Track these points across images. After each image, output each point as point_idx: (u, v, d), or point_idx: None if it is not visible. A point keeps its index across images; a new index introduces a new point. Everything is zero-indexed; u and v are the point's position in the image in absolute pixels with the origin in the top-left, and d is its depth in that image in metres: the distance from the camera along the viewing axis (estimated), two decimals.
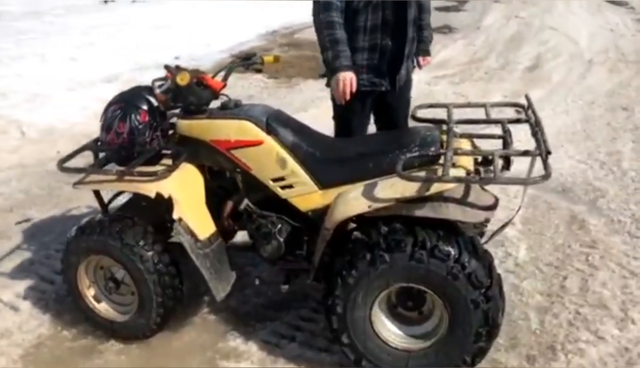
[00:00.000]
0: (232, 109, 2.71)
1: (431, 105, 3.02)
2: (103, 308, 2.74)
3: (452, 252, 2.21)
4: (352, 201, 2.36)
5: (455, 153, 2.31)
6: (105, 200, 2.87)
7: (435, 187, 2.21)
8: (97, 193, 2.80)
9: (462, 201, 2.25)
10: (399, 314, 2.47)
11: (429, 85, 7.12)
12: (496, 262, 3.22)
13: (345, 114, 3.16)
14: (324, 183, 2.57)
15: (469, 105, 3.11)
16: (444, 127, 2.60)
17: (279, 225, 2.66)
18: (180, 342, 2.75)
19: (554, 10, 12.44)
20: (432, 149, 2.38)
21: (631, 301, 2.97)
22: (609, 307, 2.93)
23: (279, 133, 2.60)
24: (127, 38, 8.84)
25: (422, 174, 2.24)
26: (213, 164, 2.74)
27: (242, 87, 6.87)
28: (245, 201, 2.74)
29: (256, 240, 2.70)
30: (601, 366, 2.57)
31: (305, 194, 2.61)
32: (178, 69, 2.73)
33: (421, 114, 2.91)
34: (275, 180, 2.63)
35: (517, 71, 7.82)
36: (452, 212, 2.23)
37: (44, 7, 11.15)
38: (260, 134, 2.59)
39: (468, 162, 2.41)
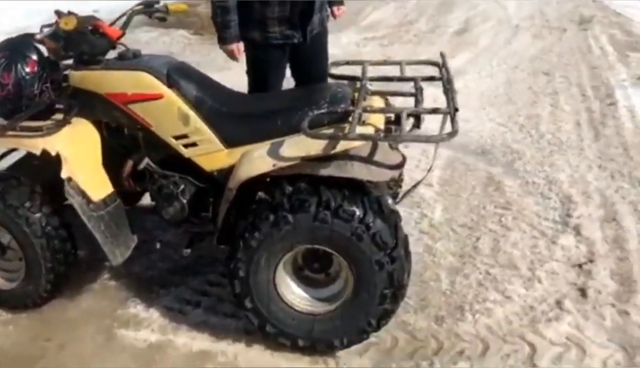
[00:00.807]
0: (130, 60, 2.52)
1: (347, 63, 2.92)
2: None
3: (357, 212, 2.14)
4: (256, 160, 2.24)
5: (365, 110, 2.23)
6: None
7: (342, 145, 2.12)
8: None
9: (369, 160, 2.17)
10: (305, 276, 2.39)
11: (358, 47, 7.03)
12: (411, 224, 3.26)
13: (259, 68, 3.03)
14: (229, 141, 2.44)
15: (384, 63, 3.03)
16: (358, 84, 2.52)
17: (182, 186, 2.52)
18: (76, 310, 2.59)
19: None
20: (342, 105, 2.29)
21: (539, 260, 3.01)
22: (518, 267, 2.96)
23: (181, 86, 2.44)
24: None
25: (328, 131, 2.14)
26: (110, 119, 2.55)
27: (164, 43, 6.57)
28: (146, 160, 2.58)
29: (158, 202, 2.55)
30: (506, 325, 2.58)
31: (210, 153, 2.47)
32: (70, 14, 2.50)
33: (337, 71, 2.82)
34: (177, 137, 2.47)
35: (446, 35, 7.80)
36: (358, 171, 2.14)
37: None
38: (160, 87, 2.42)
39: (379, 120, 2.33)
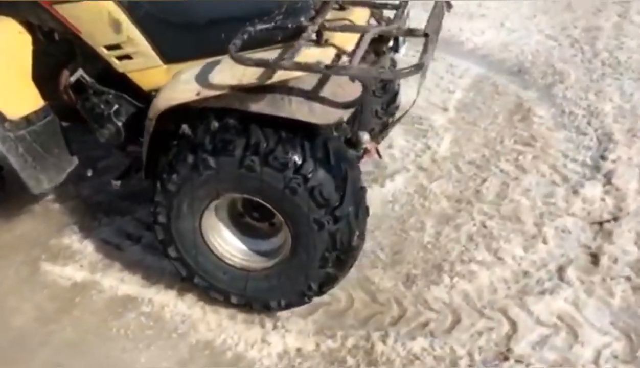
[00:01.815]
0: None
1: None
2: None
3: (292, 159, 1.73)
4: (180, 85, 1.83)
5: (322, 27, 1.76)
6: None
7: (279, 75, 1.68)
8: None
9: (313, 95, 1.71)
10: (246, 225, 2.04)
11: None
12: (410, 157, 2.81)
13: None
14: (168, 56, 2.04)
15: None
16: None
17: (116, 106, 2.16)
18: (9, 235, 2.37)
19: None
20: (300, 19, 1.81)
21: (551, 214, 2.53)
22: (522, 220, 2.50)
23: None
24: None
25: (258, 56, 1.68)
26: (39, 21, 2.17)
27: None
28: (80, 71, 2.21)
29: (91, 122, 2.21)
30: (488, 294, 2.18)
31: (147, 69, 2.08)
32: None
33: None
34: (109, 48, 2.08)
35: None
36: (296, 109, 1.71)
37: None
38: None
39: (347, 39, 1.85)
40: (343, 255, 1.86)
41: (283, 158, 1.72)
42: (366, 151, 2.29)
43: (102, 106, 2.16)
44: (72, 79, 2.21)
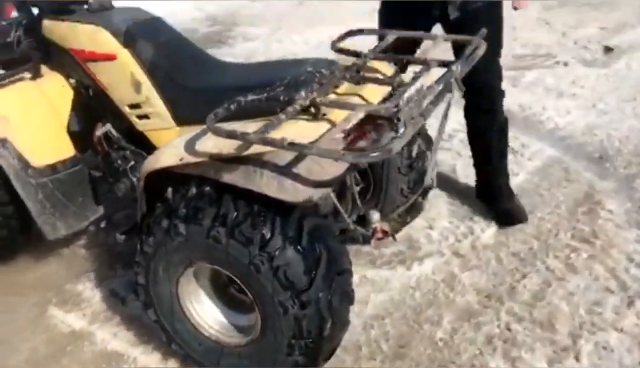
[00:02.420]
0: (95, 12, 2.24)
1: (370, 31, 2.31)
2: None
3: (258, 235, 1.65)
4: (168, 149, 1.84)
5: (314, 102, 1.70)
6: None
7: (256, 148, 1.63)
8: None
9: (286, 170, 1.64)
10: (229, 295, 1.97)
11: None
12: (449, 240, 2.63)
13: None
14: (180, 118, 2.09)
15: (415, 34, 2.31)
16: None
17: (133, 162, 2.24)
18: (32, 275, 2.49)
19: None
20: (299, 92, 1.76)
21: (593, 325, 2.20)
22: (555, 329, 2.19)
23: (138, 47, 2.11)
24: None
25: (235, 127, 1.64)
26: (77, 76, 2.32)
27: None
28: (108, 126, 2.31)
29: (108, 175, 2.29)
30: None
31: (161, 129, 2.15)
32: None
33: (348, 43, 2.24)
34: (131, 106, 2.17)
35: None
36: (265, 184, 1.63)
37: None
38: (115, 46, 2.12)
39: (342, 115, 1.77)
40: (313, 344, 1.72)
41: (249, 232, 1.65)
42: (375, 231, 2.17)
43: (120, 161, 2.24)
44: (100, 132, 2.31)
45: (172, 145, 1.84)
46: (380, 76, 1.98)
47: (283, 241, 1.65)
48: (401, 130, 1.51)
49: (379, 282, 2.42)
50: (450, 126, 3.55)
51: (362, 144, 1.80)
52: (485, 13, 2.41)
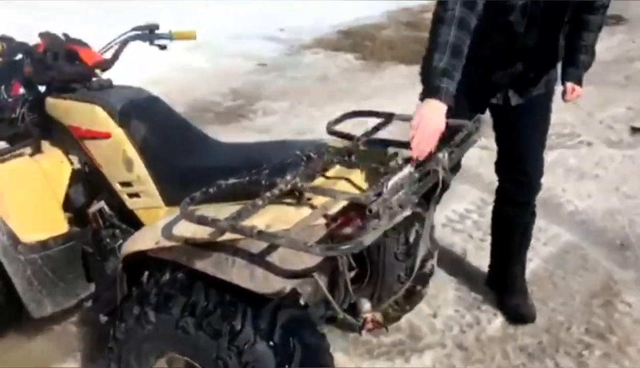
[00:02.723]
0: (94, 90, 2.27)
1: (365, 113, 2.28)
2: None
3: (227, 326, 1.57)
4: (148, 232, 1.80)
5: (296, 187, 1.65)
6: None
7: (228, 235, 1.58)
8: None
9: (259, 259, 1.57)
10: None
11: None
12: (454, 330, 2.51)
13: None
14: (168, 198, 2.06)
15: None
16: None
17: (121, 241, 2.20)
18: (21, 352, 2.42)
19: None
20: (282, 175, 1.72)
21: None
22: None
23: (132, 126, 2.12)
24: (234, 6, 8.58)
25: (202, 216, 1.58)
26: (74, 153, 2.34)
27: (324, 67, 6.33)
28: (102, 203, 2.30)
29: (95, 253, 2.26)
30: None
31: (150, 208, 2.12)
32: (47, 36, 2.35)
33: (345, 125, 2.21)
34: (122, 184, 2.16)
35: None
36: (235, 273, 1.57)
37: None
38: (109, 124, 2.13)
39: (329, 201, 1.72)
40: None
41: (218, 324, 1.57)
42: (365, 322, 2.06)
43: (109, 239, 2.22)
44: (94, 209, 2.30)
45: (151, 228, 1.80)
46: (371, 161, 1.93)
47: (254, 335, 1.56)
48: (375, 221, 1.43)
49: None
50: (462, 206, 3.47)
51: (347, 230, 1.74)
52: (542, 101, 2.39)
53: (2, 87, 2.38)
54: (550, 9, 2.12)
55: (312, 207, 1.70)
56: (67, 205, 2.36)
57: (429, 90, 1.82)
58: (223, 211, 1.59)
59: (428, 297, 2.55)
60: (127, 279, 1.84)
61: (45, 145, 2.37)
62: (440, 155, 1.74)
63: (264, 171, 1.76)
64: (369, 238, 1.40)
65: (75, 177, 2.37)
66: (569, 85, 2.39)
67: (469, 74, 1.96)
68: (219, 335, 1.57)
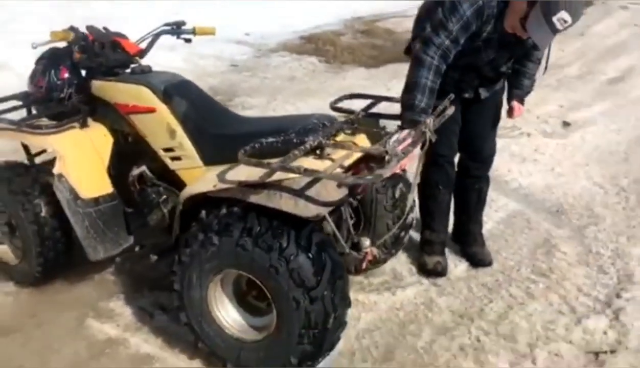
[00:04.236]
0: (138, 74, 2.73)
1: (359, 96, 2.86)
2: (2, 250, 2.89)
3: (277, 243, 2.09)
4: (204, 180, 2.31)
5: (320, 144, 2.19)
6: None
7: (278, 175, 2.10)
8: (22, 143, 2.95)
9: (300, 193, 2.10)
10: (248, 302, 2.38)
11: None
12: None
13: None
14: (207, 159, 2.54)
15: (396, 99, 2.85)
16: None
17: (165, 196, 2.66)
18: (68, 295, 2.85)
19: None
20: (307, 137, 2.24)
21: (547, 338, 2.64)
22: (516, 340, 2.63)
23: (174, 102, 2.59)
24: (212, 10, 9.08)
25: (258, 160, 2.10)
26: (119, 127, 2.78)
27: (290, 68, 6.89)
28: (143, 167, 2.76)
29: (144, 208, 2.72)
30: None
31: (191, 168, 2.59)
32: (93, 29, 2.79)
33: (346, 103, 2.78)
34: (165, 150, 2.63)
35: (595, 82, 7.11)
36: (284, 202, 2.09)
37: None
38: (155, 101, 2.59)
39: (347, 155, 2.27)
40: (319, 334, 2.13)
41: (270, 241, 2.09)
42: (366, 255, 2.62)
43: (154, 196, 2.67)
44: (136, 173, 2.76)
45: (205, 178, 2.31)
46: (370, 128, 2.50)
47: (297, 249, 2.09)
48: (390, 163, 1.99)
49: (368, 304, 2.84)
50: None
51: (347, 178, 2.29)
52: (498, 95, 3.04)
53: (52, 71, 2.79)
54: (506, 43, 2.71)
55: (332, 160, 2.24)
56: (111, 169, 2.80)
57: (412, 122, 2.42)
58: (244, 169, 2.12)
59: (406, 247, 3.13)
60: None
61: (89, 120, 2.81)
62: (428, 120, 2.33)
63: (291, 134, 2.29)
64: (386, 172, 1.96)
65: (117, 147, 2.81)
66: (515, 103, 3.01)
67: (447, 77, 2.58)
68: (271, 250, 2.09)
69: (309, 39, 7.92)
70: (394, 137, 2.32)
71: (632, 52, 8.63)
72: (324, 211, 2.11)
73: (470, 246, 3.24)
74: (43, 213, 2.67)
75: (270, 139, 2.23)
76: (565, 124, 5.52)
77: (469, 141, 3.10)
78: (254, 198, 2.14)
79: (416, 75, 2.50)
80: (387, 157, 2.08)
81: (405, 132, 2.37)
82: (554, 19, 2.40)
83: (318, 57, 7.29)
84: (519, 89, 3.00)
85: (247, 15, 8.91)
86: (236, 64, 6.83)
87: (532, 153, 4.77)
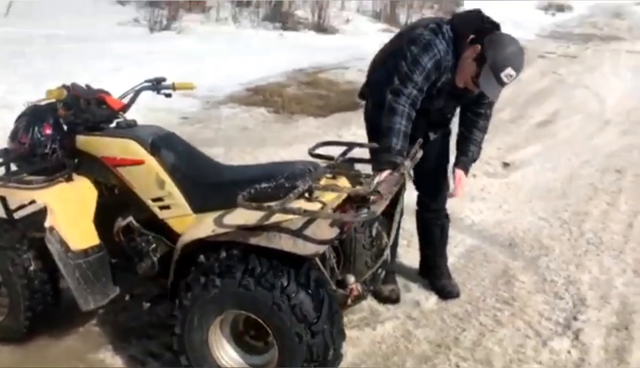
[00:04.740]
0: (124, 128, 2.84)
1: (333, 143, 3.07)
2: None
3: (279, 282, 2.22)
4: (201, 225, 2.42)
5: (311, 188, 2.35)
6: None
7: (275, 218, 2.25)
8: (2, 198, 2.96)
9: (297, 233, 2.25)
10: (246, 342, 2.48)
11: None
12: (402, 307, 3.24)
13: None
14: (197, 207, 2.64)
15: (367, 145, 3.09)
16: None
17: (154, 245, 2.74)
18: (56, 350, 2.83)
19: (597, 70, 12.24)
20: (296, 182, 2.41)
21: (519, 360, 2.86)
22: (492, 364, 2.83)
23: (162, 154, 2.70)
24: (157, 67, 9.23)
25: (258, 203, 2.26)
26: (104, 180, 2.86)
27: (242, 119, 7.07)
28: (130, 218, 2.83)
29: (133, 257, 2.78)
30: None
31: (181, 216, 2.68)
32: (77, 86, 2.89)
33: (323, 150, 2.97)
34: (154, 200, 2.72)
35: (527, 125, 7.69)
36: (284, 243, 2.24)
37: (93, 33, 11.81)
38: (143, 154, 2.69)
39: (332, 197, 2.44)
40: (319, 367, 2.26)
41: (272, 280, 2.22)
42: (352, 291, 2.77)
43: (144, 244, 2.75)
44: (123, 223, 2.83)
45: (204, 222, 2.42)
46: (347, 172, 2.71)
47: (297, 286, 2.23)
48: (374, 204, 2.19)
49: (351, 339, 2.97)
50: None
51: (347, 216, 2.47)
52: (447, 137, 3.34)
53: (36, 127, 2.85)
54: (455, 93, 3.01)
55: (322, 202, 2.42)
56: (96, 222, 2.86)
57: (389, 163, 2.67)
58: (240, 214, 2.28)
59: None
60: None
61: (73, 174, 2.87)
62: (406, 162, 2.56)
63: (281, 179, 2.46)
64: (378, 209, 2.16)
65: (102, 199, 2.88)
66: (458, 171, 3.20)
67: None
68: (273, 288, 2.22)
69: (255, 91, 8.15)
70: (376, 179, 2.53)
71: (555, 97, 9.40)
72: (321, 249, 2.27)
73: (439, 279, 3.45)
74: (32, 267, 2.68)
75: (264, 184, 2.38)
76: (505, 165, 5.94)
77: (423, 179, 3.33)
78: (255, 240, 2.27)
79: (391, 122, 2.75)
80: (372, 197, 2.28)
81: (386, 173, 2.59)
82: (502, 75, 2.74)
83: (267, 108, 7.51)
84: (466, 155, 3.22)
85: (190, 70, 9.07)
86: (187, 117, 6.96)
87: (480, 192, 5.11)
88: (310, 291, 2.25)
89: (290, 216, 2.23)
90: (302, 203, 2.33)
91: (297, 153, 5.13)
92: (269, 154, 5.54)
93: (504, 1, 21.65)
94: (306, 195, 2.38)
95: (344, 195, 2.48)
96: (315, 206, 2.36)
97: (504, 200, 4.94)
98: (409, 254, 3.78)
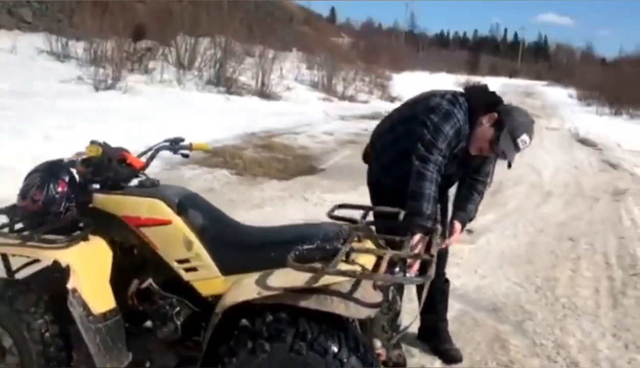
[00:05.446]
0: (148, 187, 2.79)
1: (351, 206, 3.12)
2: None
3: (332, 347, 2.21)
4: (243, 288, 2.38)
5: (351, 250, 2.38)
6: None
7: (323, 280, 2.25)
8: (3, 257, 2.80)
9: (348, 296, 2.26)
10: None
11: None
12: None
13: None
14: (226, 269, 2.59)
15: (383, 211, 3.17)
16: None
17: (178, 308, 2.65)
18: None
19: None
20: (334, 243, 2.43)
21: None
22: None
23: (189, 214, 2.66)
24: (110, 124, 9.06)
25: (312, 265, 2.26)
26: (123, 240, 2.76)
27: (206, 181, 7.01)
28: (149, 280, 2.74)
29: (154, 321, 2.68)
30: None
31: (208, 279, 2.62)
32: (96, 144, 2.82)
33: (341, 213, 3.01)
34: (180, 261, 2.65)
35: None
36: (335, 306, 2.24)
37: (36, 89, 11.48)
38: (169, 214, 2.64)
39: (368, 260, 2.47)
40: None
41: (325, 344, 2.21)
42: (379, 356, 2.78)
43: (167, 308, 2.65)
44: (143, 286, 2.73)
45: (245, 284, 2.38)
46: (368, 234, 2.76)
47: (349, 350, 2.23)
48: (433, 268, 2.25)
49: None
50: None
51: (406, 279, 2.53)
52: (444, 204, 3.46)
53: (51, 184, 2.75)
54: (464, 161, 3.19)
55: (360, 265, 2.45)
56: (112, 284, 2.75)
57: (421, 227, 2.79)
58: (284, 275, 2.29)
59: None
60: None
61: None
62: (438, 226, 2.66)
63: (316, 241, 2.48)
64: (432, 272, 2.21)
65: (118, 260, 2.79)
66: (456, 223, 3.31)
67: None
68: (326, 353, 2.20)
69: (215, 153, 8.13)
70: (411, 242, 2.60)
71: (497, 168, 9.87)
72: (373, 312, 2.28)
73: (443, 343, 3.51)
74: (49, 333, 2.52)
75: (306, 247, 2.39)
76: (469, 232, 6.15)
77: None
78: (304, 303, 2.26)
79: (421, 187, 2.85)
80: (409, 261, 2.34)
81: (418, 236, 2.67)
82: (519, 140, 2.93)
83: (229, 170, 7.49)
84: (464, 211, 3.35)
85: (143, 128, 8.98)
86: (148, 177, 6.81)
87: (452, 257, 5.21)
88: (359, 354, 2.25)
89: (339, 278, 2.25)
90: (343, 266, 2.35)
91: (273, 216, 5.15)
92: (242, 216, 5.51)
93: (424, 74, 22.87)
94: (343, 257, 2.41)
95: (373, 258, 2.52)
96: (356, 268, 2.38)
97: (477, 265, 5.12)
98: (403, 319, 3.81)
